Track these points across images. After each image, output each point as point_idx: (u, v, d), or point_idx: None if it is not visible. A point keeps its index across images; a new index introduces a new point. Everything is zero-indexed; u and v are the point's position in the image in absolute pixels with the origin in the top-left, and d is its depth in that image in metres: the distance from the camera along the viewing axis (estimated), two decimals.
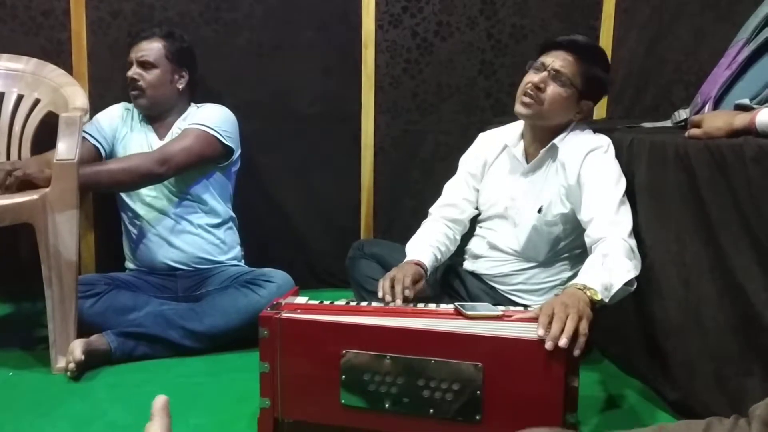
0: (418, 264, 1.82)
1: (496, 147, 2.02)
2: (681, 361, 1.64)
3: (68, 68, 2.38)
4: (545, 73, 1.82)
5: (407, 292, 1.66)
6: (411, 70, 2.64)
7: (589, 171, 1.77)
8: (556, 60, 1.82)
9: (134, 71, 2.26)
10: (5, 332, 2.26)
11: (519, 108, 1.87)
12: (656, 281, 1.68)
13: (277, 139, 2.61)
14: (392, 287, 1.67)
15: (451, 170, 2.13)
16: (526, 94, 1.84)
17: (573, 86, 1.83)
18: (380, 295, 1.68)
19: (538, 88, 1.82)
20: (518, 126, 1.96)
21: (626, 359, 1.93)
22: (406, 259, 1.85)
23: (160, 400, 1.31)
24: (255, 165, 2.54)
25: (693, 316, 1.59)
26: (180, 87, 2.32)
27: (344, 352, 1.47)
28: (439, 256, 1.93)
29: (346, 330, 1.48)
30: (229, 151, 2.29)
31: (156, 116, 2.32)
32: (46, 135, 2.14)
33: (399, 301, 1.64)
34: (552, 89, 1.82)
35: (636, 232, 1.69)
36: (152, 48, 2.27)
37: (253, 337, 1.54)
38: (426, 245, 1.92)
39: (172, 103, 2.32)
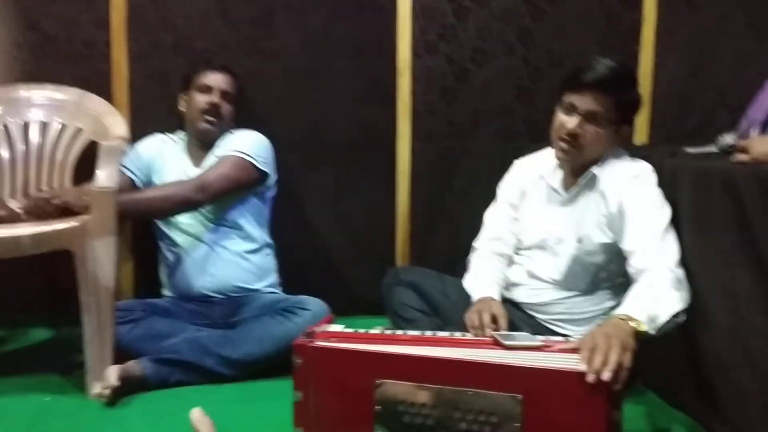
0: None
1: (532, 175, 1.99)
2: (730, 395, 1.58)
3: (109, 98, 2.42)
4: (579, 118, 1.77)
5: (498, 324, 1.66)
6: (447, 97, 2.63)
7: (632, 199, 1.72)
8: (586, 102, 1.76)
9: (218, 98, 2.29)
10: (45, 357, 2.27)
11: (559, 154, 1.84)
12: (702, 311, 1.62)
13: (312, 166, 2.62)
14: (480, 321, 1.67)
15: (487, 197, 2.10)
16: (563, 140, 1.80)
17: (609, 122, 1.79)
18: (471, 331, 1.66)
19: (575, 135, 1.78)
20: (554, 153, 1.92)
21: (672, 392, 1.87)
22: (480, 297, 1.83)
23: (197, 412, 1.32)
24: (291, 192, 2.55)
25: (742, 348, 1.52)
26: (232, 125, 2.36)
27: (379, 382, 1.44)
28: (501, 292, 1.91)
29: (381, 359, 1.46)
30: (265, 176, 2.30)
31: (201, 146, 2.33)
32: (87, 164, 2.18)
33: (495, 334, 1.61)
34: (589, 133, 1.78)
35: (681, 259, 1.63)
36: (229, 81, 2.32)
37: (287, 365, 1.53)
38: (491, 282, 1.90)
39: (221, 137, 2.34)
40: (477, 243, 2.03)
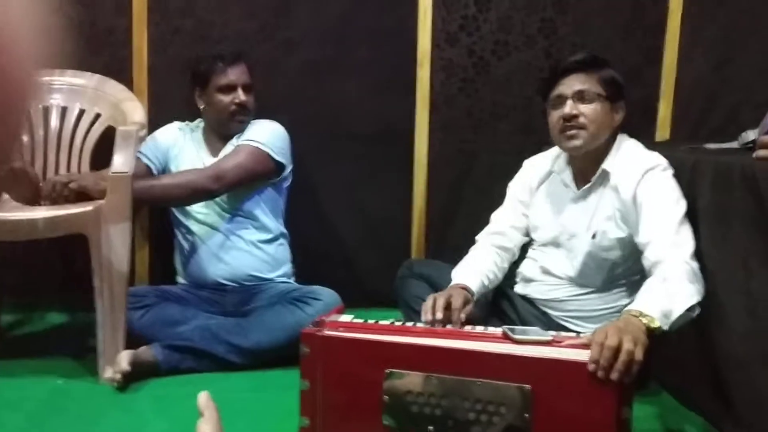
0: (465, 288, 1.76)
1: (541, 172, 1.98)
2: (747, 397, 1.54)
3: (129, 84, 2.42)
4: (570, 102, 1.77)
5: (455, 315, 1.61)
6: (467, 88, 2.60)
7: (647, 190, 1.70)
8: (571, 85, 1.78)
9: (244, 96, 2.25)
10: (59, 340, 2.30)
11: (566, 143, 1.82)
12: (719, 310, 1.59)
13: (329, 157, 2.60)
14: (434, 308, 1.63)
15: (505, 191, 2.07)
16: (565, 128, 1.79)
17: (600, 96, 1.78)
18: (423, 316, 1.63)
19: (574, 117, 1.77)
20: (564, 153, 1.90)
21: (686, 392, 1.83)
22: (452, 284, 1.80)
23: (203, 396, 1.32)
24: (306, 182, 2.53)
25: (760, 349, 1.49)
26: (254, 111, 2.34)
27: (387, 371, 1.43)
28: (486, 283, 1.87)
29: (390, 349, 1.45)
30: (281, 167, 2.29)
31: (219, 136, 2.32)
32: (105, 149, 2.19)
33: (456, 323, 1.59)
34: (587, 109, 1.77)
35: (698, 257, 1.60)
36: (246, 71, 2.29)
37: (298, 355, 1.52)
38: (474, 271, 1.86)
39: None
40: (479, 236, 2.02)
